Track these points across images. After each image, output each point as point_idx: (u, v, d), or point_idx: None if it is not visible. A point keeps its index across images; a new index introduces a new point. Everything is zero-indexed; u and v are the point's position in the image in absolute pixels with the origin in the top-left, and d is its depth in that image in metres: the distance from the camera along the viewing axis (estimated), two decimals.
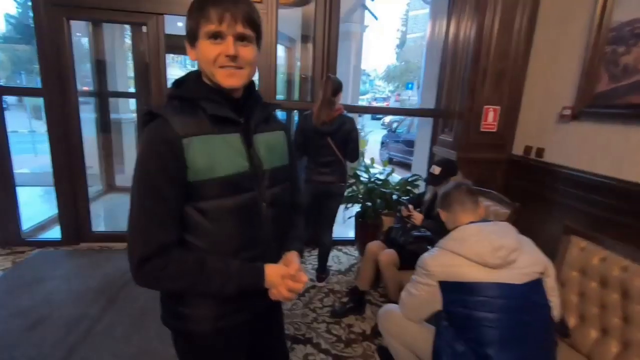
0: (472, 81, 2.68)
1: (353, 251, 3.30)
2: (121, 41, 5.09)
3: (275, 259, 0.89)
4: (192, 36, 0.78)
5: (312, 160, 2.49)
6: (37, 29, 2.59)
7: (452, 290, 1.25)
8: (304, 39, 4.35)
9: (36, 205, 4.09)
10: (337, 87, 2.34)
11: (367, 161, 3.26)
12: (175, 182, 0.74)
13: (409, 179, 3.03)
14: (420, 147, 3.74)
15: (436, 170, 2.17)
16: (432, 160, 3.29)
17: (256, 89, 0.92)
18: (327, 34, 2.96)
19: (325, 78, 2.39)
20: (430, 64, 3.54)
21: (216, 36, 0.75)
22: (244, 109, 0.85)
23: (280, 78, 4.67)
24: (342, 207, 2.97)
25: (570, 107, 2.23)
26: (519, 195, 2.49)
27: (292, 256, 0.91)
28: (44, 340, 1.90)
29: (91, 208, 3.12)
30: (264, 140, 0.88)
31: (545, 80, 2.50)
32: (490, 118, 2.75)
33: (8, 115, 2.89)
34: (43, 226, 3.36)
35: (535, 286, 1.24)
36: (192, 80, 0.83)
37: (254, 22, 0.78)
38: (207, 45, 0.75)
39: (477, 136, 2.77)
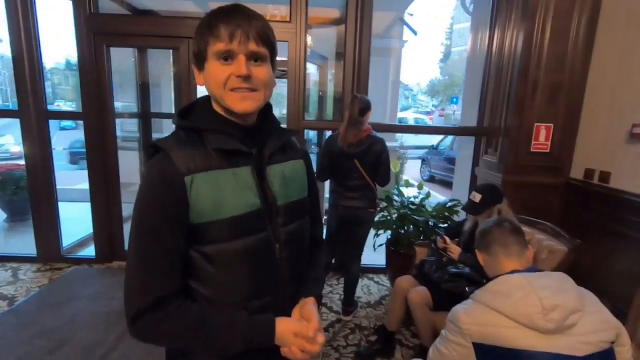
0: (521, 96, 2.39)
1: (385, 280, 3.04)
2: (167, 64, 5.37)
3: (290, 305, 0.78)
4: (200, 58, 0.70)
5: (338, 184, 2.33)
6: (79, 57, 2.74)
7: (490, 355, 1.01)
8: (338, 56, 4.27)
9: (86, 221, 4.30)
10: (365, 107, 2.19)
11: (404, 179, 3.02)
12: (176, 225, 0.66)
13: (448, 205, 2.75)
14: (462, 167, 3.44)
15: (476, 197, 1.91)
16: (474, 183, 2.99)
17: (272, 112, 0.82)
18: (358, 52, 2.83)
19: (351, 97, 2.24)
20: (471, 78, 3.28)
21: (226, 56, 0.67)
22: (258, 137, 0.76)
23: (313, 97, 4.60)
24: (372, 232, 2.76)
25: None
26: (579, 227, 2.14)
27: (310, 307, 0.76)
28: None
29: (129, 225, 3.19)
30: (280, 172, 0.77)
31: (610, 94, 2.15)
32: (542, 137, 2.43)
33: (75, 133, 3.05)
34: (82, 243, 3.50)
35: (604, 359, 0.96)
36: (199, 107, 0.75)
37: (268, 40, 0.69)
38: (216, 66, 0.67)
39: (526, 157, 2.45)
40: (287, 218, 0.77)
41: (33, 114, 2.85)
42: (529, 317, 0.96)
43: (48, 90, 3.06)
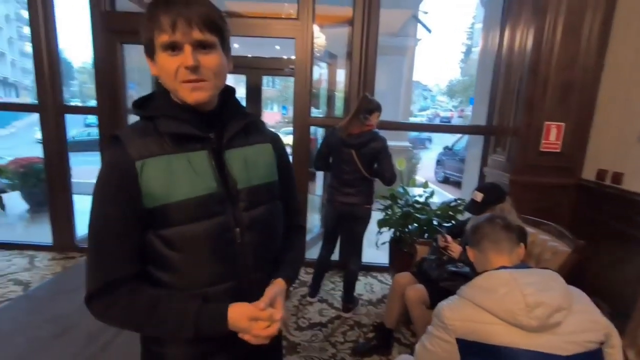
0: (530, 94, 2.33)
1: (388, 279, 3.02)
2: None
3: (259, 292, 0.77)
4: (149, 49, 0.70)
5: (335, 178, 2.34)
6: (94, 53, 2.84)
7: (473, 351, 0.99)
8: (348, 55, 4.26)
9: None
10: (373, 108, 2.21)
11: (418, 179, 3.00)
12: (127, 210, 0.68)
13: (452, 204, 2.71)
14: (471, 167, 3.38)
15: (478, 196, 1.87)
16: (482, 183, 2.93)
17: (234, 96, 0.82)
18: (365, 51, 2.83)
19: (362, 95, 2.29)
20: (482, 77, 3.21)
21: (173, 47, 0.66)
22: (216, 122, 0.76)
23: (323, 95, 4.63)
24: (375, 230, 2.75)
25: None
26: (589, 230, 2.08)
27: (271, 289, 0.78)
28: (66, 349, 1.95)
29: None
30: (241, 156, 0.78)
31: (626, 93, 2.07)
32: (553, 136, 2.36)
33: None
34: None
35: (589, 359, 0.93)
36: (157, 96, 0.76)
37: (214, 25, 0.68)
38: (165, 58, 0.67)
39: (536, 157, 2.39)
40: (250, 202, 0.77)
41: (50, 109, 2.97)
42: (512, 314, 0.94)
43: (74, 88, 3.18)
